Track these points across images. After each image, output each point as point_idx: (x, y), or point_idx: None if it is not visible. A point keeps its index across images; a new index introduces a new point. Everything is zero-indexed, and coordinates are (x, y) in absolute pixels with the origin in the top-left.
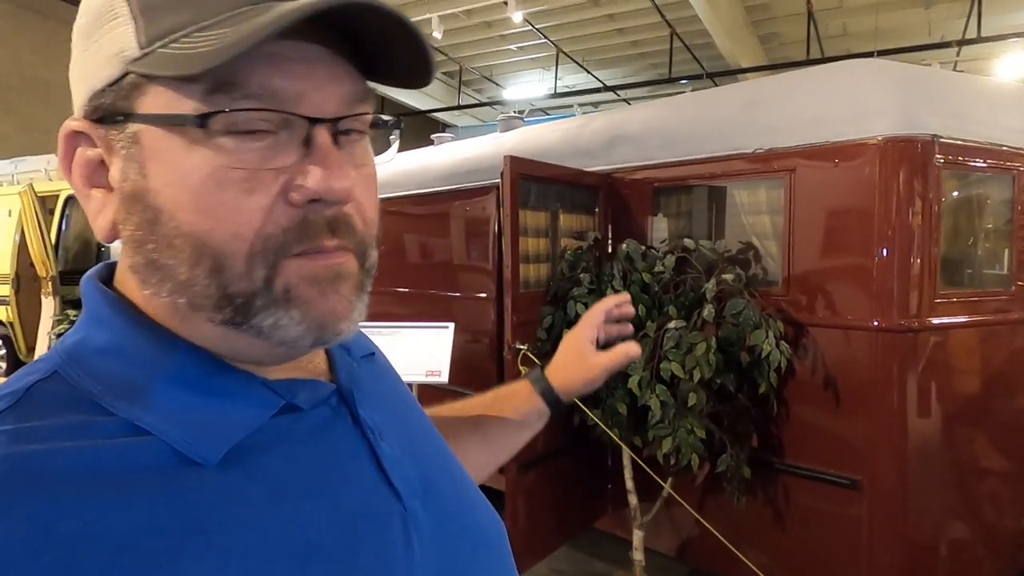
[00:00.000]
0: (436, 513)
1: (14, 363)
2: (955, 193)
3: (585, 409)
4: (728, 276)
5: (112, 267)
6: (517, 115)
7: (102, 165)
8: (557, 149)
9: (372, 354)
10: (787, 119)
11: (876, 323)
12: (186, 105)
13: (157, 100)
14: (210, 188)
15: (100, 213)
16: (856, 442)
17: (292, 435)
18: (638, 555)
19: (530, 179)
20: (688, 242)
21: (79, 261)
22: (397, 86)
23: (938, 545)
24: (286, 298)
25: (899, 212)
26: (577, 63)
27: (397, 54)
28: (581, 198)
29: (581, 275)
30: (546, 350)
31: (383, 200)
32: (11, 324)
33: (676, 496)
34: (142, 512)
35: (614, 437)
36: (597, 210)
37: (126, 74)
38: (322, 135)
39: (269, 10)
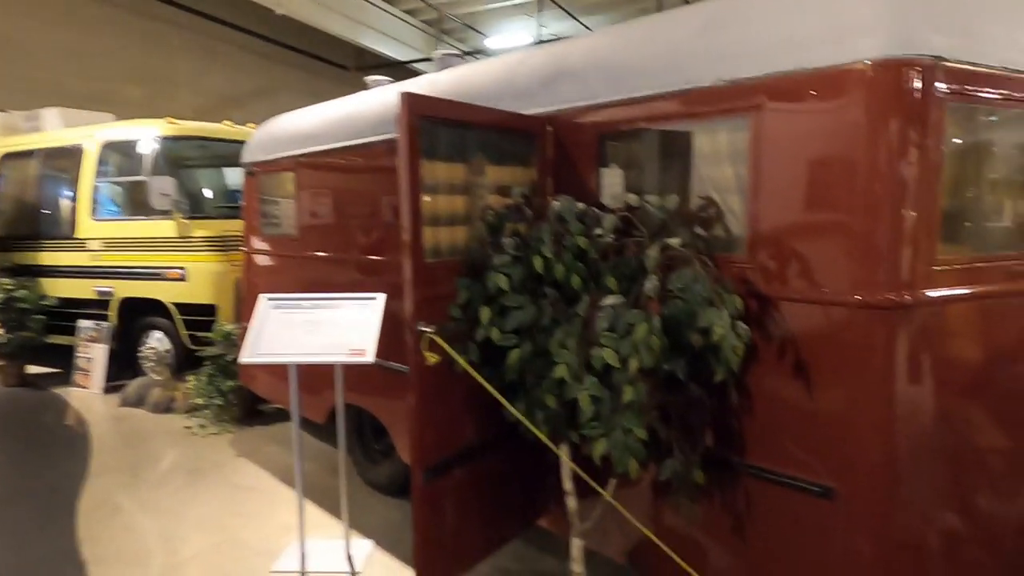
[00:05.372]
0: None
1: None
2: (960, 132)
3: (505, 402)
4: (674, 240)
5: None
6: (456, 53)
7: None
8: (493, 90)
9: None
10: (753, 42)
11: (858, 297)
12: None
13: None
14: None
15: None
16: (831, 443)
17: None
18: (577, 568)
19: (439, 122)
20: (631, 198)
21: (16, 225)
22: None
23: (926, 566)
24: None
25: (890, 158)
26: (563, 8)
27: None
28: (514, 147)
29: (504, 240)
30: (461, 330)
31: (307, 155)
32: None
33: (617, 504)
34: None
35: (541, 436)
36: (536, 161)
37: None
38: None
39: None
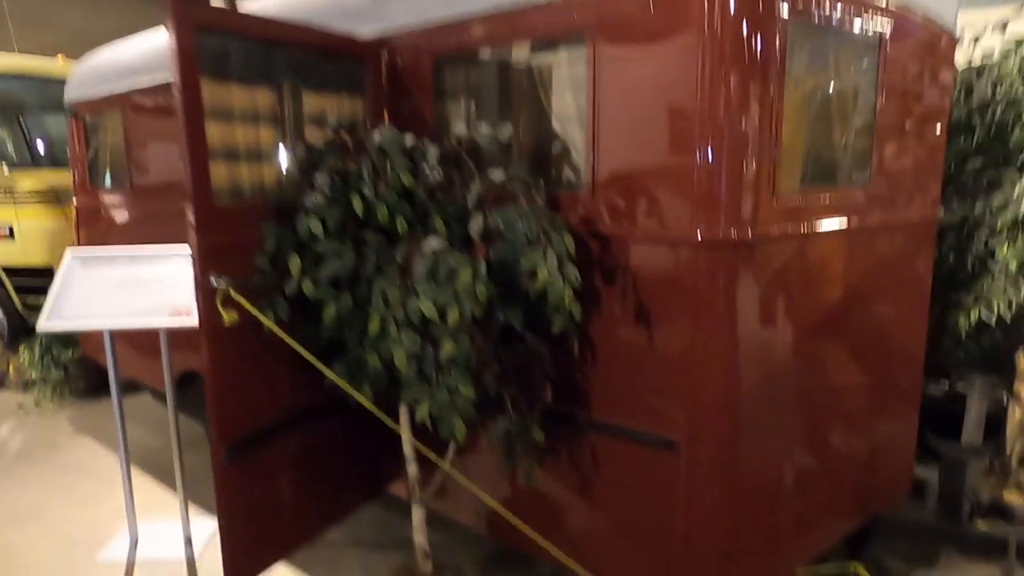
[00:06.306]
0: None
1: None
2: (802, 58)
3: (318, 363)
4: (497, 174)
5: None
6: None
7: None
8: (324, 10)
9: None
10: None
11: (699, 235)
12: None
13: None
14: None
15: None
16: (673, 392)
17: None
18: (419, 537)
19: (234, 39)
20: (459, 130)
21: None
22: None
23: (771, 509)
24: None
25: (729, 83)
26: None
27: None
28: (341, 73)
29: (318, 178)
30: (268, 284)
31: (135, 91)
32: None
33: (452, 470)
34: None
35: (362, 399)
36: (368, 90)
37: None
38: None
39: None
